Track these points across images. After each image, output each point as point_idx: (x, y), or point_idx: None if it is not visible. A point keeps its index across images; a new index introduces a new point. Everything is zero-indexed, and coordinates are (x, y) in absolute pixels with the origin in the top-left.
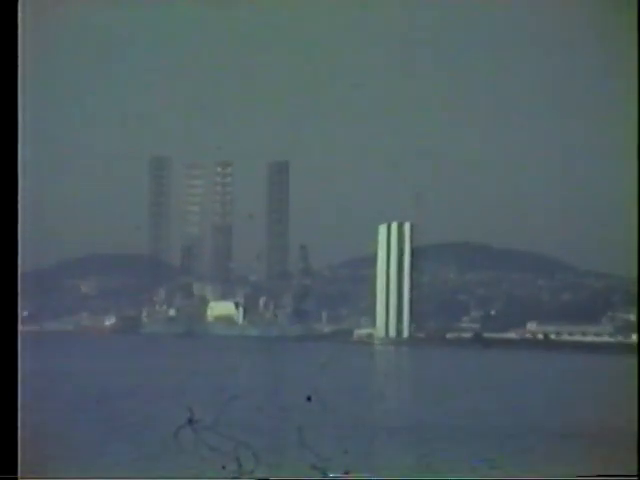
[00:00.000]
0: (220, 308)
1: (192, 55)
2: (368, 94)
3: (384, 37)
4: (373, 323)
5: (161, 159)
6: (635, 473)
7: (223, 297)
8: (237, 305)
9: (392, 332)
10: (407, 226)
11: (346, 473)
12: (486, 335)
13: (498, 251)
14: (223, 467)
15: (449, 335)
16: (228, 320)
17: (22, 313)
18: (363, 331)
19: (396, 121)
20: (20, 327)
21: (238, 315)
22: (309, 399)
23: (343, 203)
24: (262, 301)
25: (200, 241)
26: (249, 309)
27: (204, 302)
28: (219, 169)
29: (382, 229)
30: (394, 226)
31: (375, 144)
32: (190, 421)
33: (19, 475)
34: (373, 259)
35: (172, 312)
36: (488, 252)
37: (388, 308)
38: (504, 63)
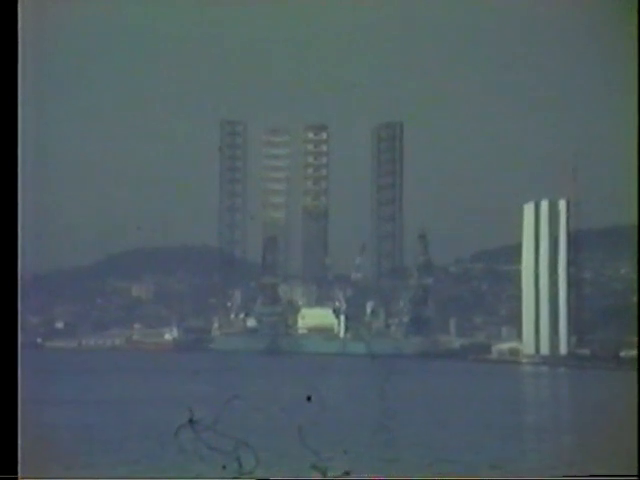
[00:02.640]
0: (314, 317)
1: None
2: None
3: None
4: (518, 335)
5: (235, 123)
6: (635, 473)
7: (318, 302)
8: (336, 312)
9: (544, 348)
10: (562, 204)
11: (346, 473)
12: None
13: None
14: (223, 467)
15: (624, 352)
16: (325, 332)
17: (56, 324)
18: (505, 345)
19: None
20: (55, 343)
21: (338, 326)
22: (309, 399)
23: (474, 176)
24: (369, 307)
25: (287, 229)
26: (352, 318)
27: (293, 309)
28: (311, 135)
29: (528, 209)
30: (544, 205)
31: (515, 98)
32: (190, 421)
33: (19, 475)
34: (516, 250)
35: (252, 322)
36: None
37: (538, 315)
38: None
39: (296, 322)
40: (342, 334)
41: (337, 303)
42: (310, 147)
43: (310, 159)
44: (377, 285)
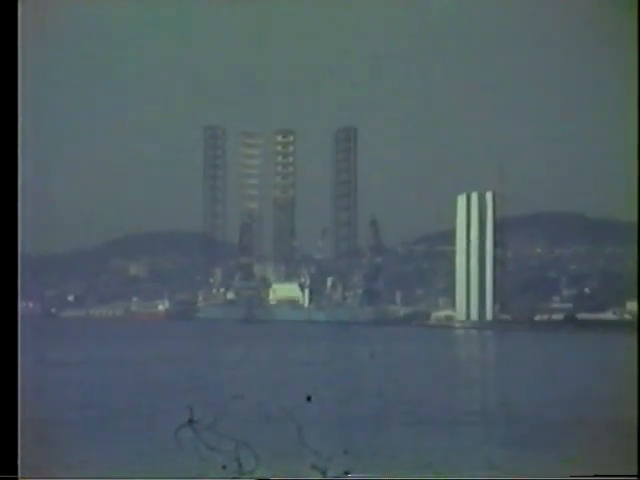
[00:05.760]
0: (283, 290)
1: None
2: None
3: None
4: (452, 304)
5: (215, 128)
6: (635, 473)
7: (286, 278)
8: (302, 287)
9: (474, 314)
10: (489, 196)
11: (346, 473)
12: (580, 316)
13: (593, 222)
14: (223, 467)
15: (538, 317)
16: (292, 303)
17: (67, 297)
18: (441, 313)
19: (475, 79)
20: (66, 312)
21: (303, 298)
22: (309, 399)
23: (417, 173)
24: (329, 282)
25: (260, 217)
26: (315, 291)
27: (266, 284)
28: (279, 138)
29: (461, 200)
30: (474, 196)
31: (451, 107)
32: (190, 421)
33: (19, 475)
34: (451, 234)
35: (231, 295)
36: (581, 223)
37: (469, 288)
38: None
39: (268, 295)
40: (307, 304)
41: (302, 279)
42: (279, 148)
43: (279, 158)
44: (336, 264)
